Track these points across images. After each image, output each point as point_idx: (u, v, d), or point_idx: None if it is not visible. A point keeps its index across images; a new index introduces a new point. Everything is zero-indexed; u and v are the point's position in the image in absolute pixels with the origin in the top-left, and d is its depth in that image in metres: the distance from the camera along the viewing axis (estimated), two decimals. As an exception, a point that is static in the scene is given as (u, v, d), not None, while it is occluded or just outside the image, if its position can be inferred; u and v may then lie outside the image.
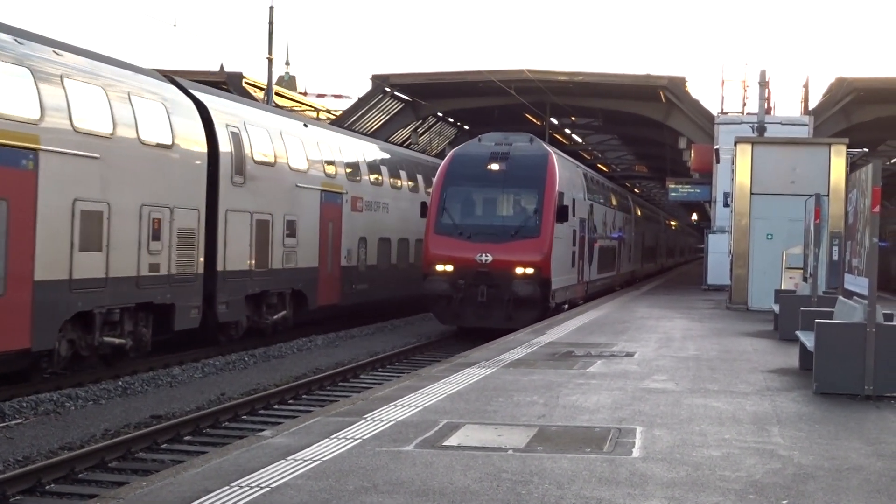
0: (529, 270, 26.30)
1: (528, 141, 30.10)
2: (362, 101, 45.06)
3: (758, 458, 9.23)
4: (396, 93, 45.66)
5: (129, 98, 20.45)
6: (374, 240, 33.76)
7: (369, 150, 35.58)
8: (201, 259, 22.97)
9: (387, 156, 37.40)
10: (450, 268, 26.55)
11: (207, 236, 23.39)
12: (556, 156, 30.04)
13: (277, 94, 42.76)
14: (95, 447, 14.10)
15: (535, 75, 41.01)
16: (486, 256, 26.20)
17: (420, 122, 49.98)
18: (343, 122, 42.19)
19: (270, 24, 38.59)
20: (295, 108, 44.50)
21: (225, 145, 24.06)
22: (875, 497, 7.94)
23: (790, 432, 10.55)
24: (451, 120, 53.80)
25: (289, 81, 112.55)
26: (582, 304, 32.00)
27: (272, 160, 26.70)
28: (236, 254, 24.65)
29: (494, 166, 28.14)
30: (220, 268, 23.72)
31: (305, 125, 30.79)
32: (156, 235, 20.92)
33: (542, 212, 27.48)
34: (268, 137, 26.64)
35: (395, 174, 36.90)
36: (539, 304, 26.67)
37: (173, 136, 21.58)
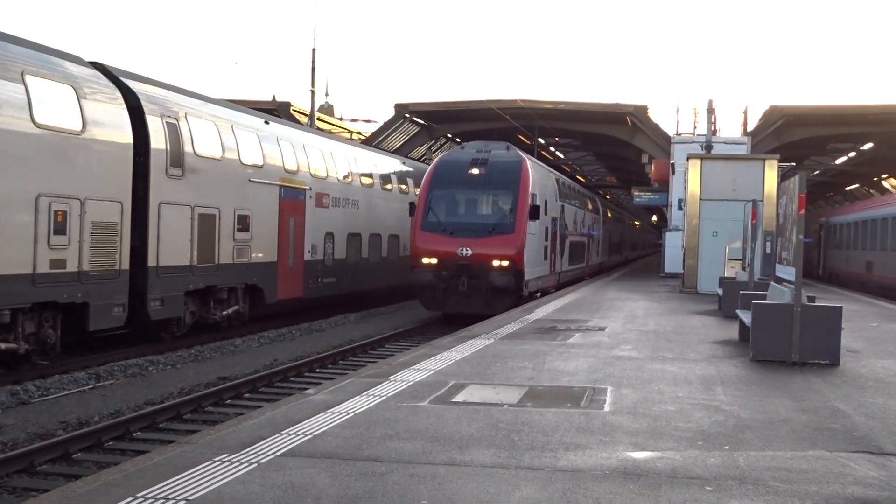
0: (505, 263, 24.57)
1: (505, 149, 28.04)
2: (386, 125, 45.00)
3: (705, 412, 9.26)
4: (414, 118, 45.59)
5: (23, 77, 15.58)
6: (342, 235, 29.40)
7: (339, 150, 30.94)
8: (126, 254, 18.31)
9: (359, 156, 32.77)
10: (434, 260, 24.74)
11: (136, 230, 18.81)
12: (529, 162, 27.93)
13: (319, 119, 42.76)
14: (173, 402, 14.20)
15: (525, 104, 41.18)
16: (467, 250, 24.56)
17: (433, 142, 49.96)
18: (371, 143, 41.96)
19: (313, 62, 39.20)
20: (333, 131, 44.45)
21: (158, 136, 19.47)
22: (799, 443, 7.96)
23: (731, 391, 10.57)
24: (458, 140, 53.66)
25: (328, 109, 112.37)
26: (554, 292, 29.79)
27: (219, 154, 22.10)
28: (173, 248, 20.07)
29: (475, 171, 26.34)
30: (151, 263, 19.20)
31: (266, 122, 25.93)
32: (60, 229, 16.17)
33: (517, 211, 25.54)
34: (215, 131, 22.15)
35: (367, 174, 32.33)
36: (513, 293, 24.87)
37: (84, 122, 16.80)
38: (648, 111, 42.08)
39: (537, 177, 28.20)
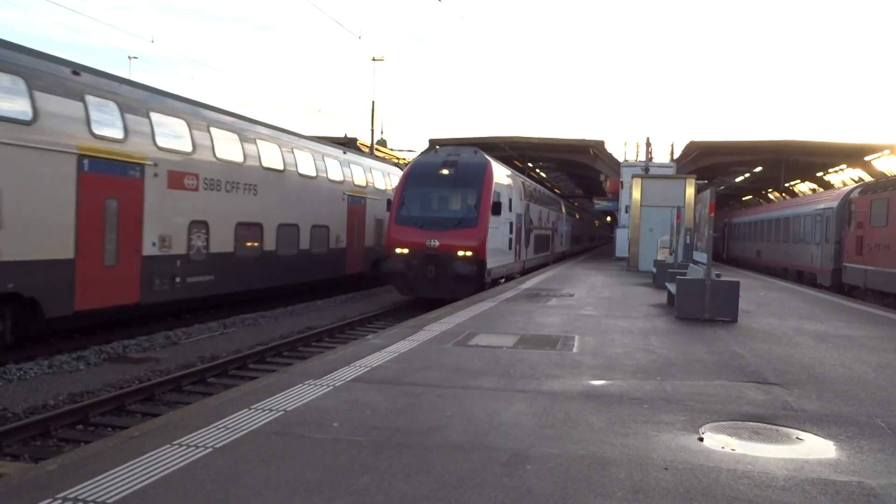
0: (468, 253, 20.37)
1: (473, 153, 23.00)
2: (423, 153, 44.82)
3: (643, 354, 9.19)
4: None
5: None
6: (227, 225, 17.55)
7: (227, 124, 18.08)
8: None
9: (265, 136, 20.04)
10: (406, 250, 20.51)
11: None
12: (494, 164, 23.11)
13: (376, 149, 42.71)
14: (274, 343, 14.26)
15: (518, 139, 41.06)
16: (434, 242, 20.41)
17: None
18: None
19: (373, 110, 39.76)
20: (386, 159, 44.41)
21: None
22: (708, 375, 7.88)
23: (661, 339, 10.48)
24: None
25: (381, 141, 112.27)
26: (519, 277, 24.96)
27: None
28: None
29: (445, 171, 21.83)
30: None
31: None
32: None
33: (480, 206, 21.14)
34: None
35: (271, 157, 19.97)
36: (476, 280, 20.54)
37: None
38: (605, 144, 41.92)
39: (501, 178, 23.67)
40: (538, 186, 35.38)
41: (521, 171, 40.31)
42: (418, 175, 21.99)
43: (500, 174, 23.39)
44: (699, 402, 6.59)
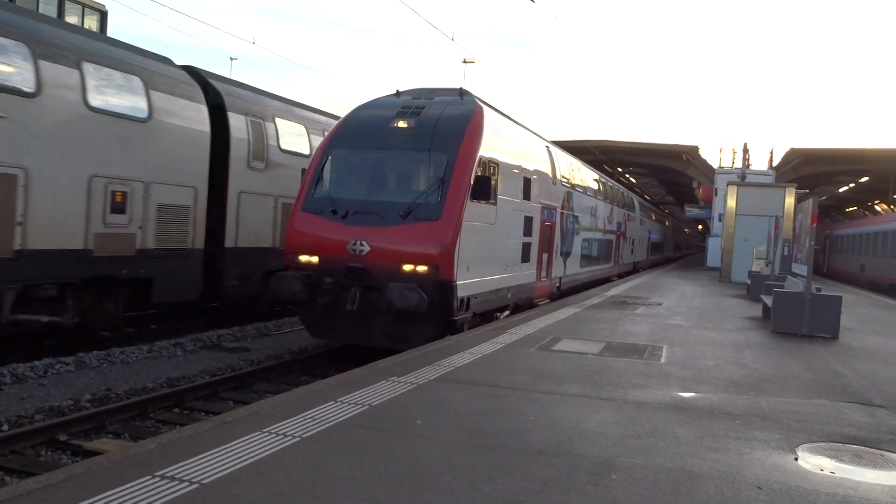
0: (421, 268, 10.77)
1: (456, 95, 12.94)
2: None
3: (736, 367, 8.86)
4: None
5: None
6: None
7: None
8: None
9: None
10: (315, 259, 11.39)
11: None
12: (488, 113, 12.68)
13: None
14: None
15: (609, 143, 40.44)
16: (362, 245, 11.10)
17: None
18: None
19: None
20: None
21: None
22: (806, 393, 7.53)
23: (755, 353, 10.08)
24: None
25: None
26: (549, 302, 16.05)
27: None
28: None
29: (401, 124, 12.19)
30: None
31: None
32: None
33: (450, 184, 11.20)
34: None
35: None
36: (434, 320, 10.82)
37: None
38: (699, 150, 40.79)
39: (503, 138, 13.26)
40: (592, 172, 23.52)
41: (612, 176, 39.38)
42: (354, 130, 12.20)
43: (505, 134, 13.41)
44: (796, 421, 6.30)
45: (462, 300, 11.09)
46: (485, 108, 12.49)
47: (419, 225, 10.79)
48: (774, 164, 41.15)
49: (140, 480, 4.08)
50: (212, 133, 13.59)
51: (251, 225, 14.73)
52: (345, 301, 10.77)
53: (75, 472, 4.21)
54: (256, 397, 9.72)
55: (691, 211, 46.67)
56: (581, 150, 41.91)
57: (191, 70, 14.22)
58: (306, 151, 16.19)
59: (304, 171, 12.67)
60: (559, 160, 17.49)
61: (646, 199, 54.15)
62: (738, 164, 38.81)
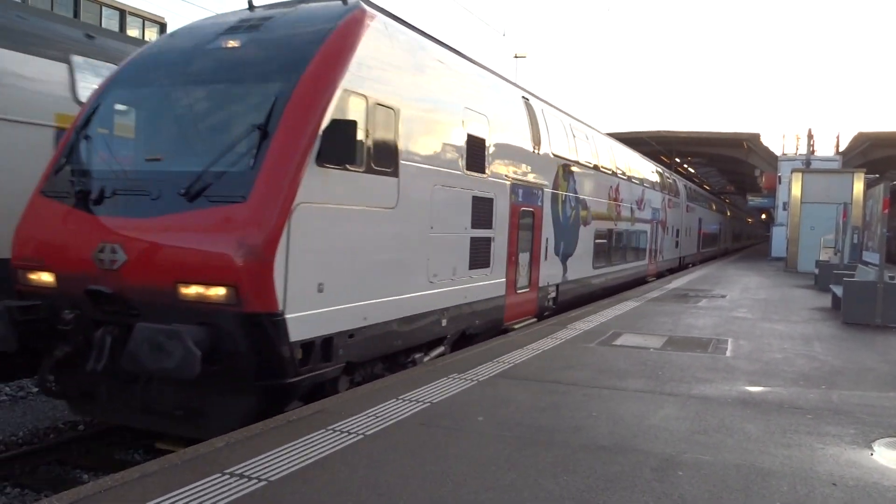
0: (215, 290, 5.49)
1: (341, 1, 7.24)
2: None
3: (805, 360, 8.58)
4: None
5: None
6: None
7: None
8: None
9: None
10: (48, 277, 6.16)
11: None
12: (380, 25, 7.28)
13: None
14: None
15: (665, 133, 39.71)
16: (115, 253, 5.72)
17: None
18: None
19: None
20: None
21: None
22: (882, 387, 7.25)
23: (826, 345, 9.75)
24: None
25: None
26: (530, 320, 11.57)
27: None
28: None
29: (226, 44, 6.76)
30: None
31: None
32: None
33: (275, 136, 5.80)
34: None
35: None
36: (245, 384, 5.78)
37: None
38: (760, 137, 39.75)
39: (422, 70, 8.18)
40: (612, 142, 17.60)
41: (668, 167, 38.35)
42: (146, 65, 7.39)
43: (425, 64, 8.45)
44: (871, 415, 6.07)
45: (308, 345, 6.18)
46: (377, 16, 7.45)
47: (211, 212, 5.86)
48: (841, 149, 39.81)
49: (211, 478, 4.19)
50: None
51: None
52: (88, 346, 6.13)
53: (149, 470, 4.36)
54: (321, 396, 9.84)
55: (753, 200, 45.55)
56: (636, 142, 41.35)
57: None
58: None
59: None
60: (549, 120, 12.42)
61: (697, 184, 49.30)
62: (803, 150, 37.63)
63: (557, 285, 12.86)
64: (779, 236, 35.00)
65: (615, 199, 16.69)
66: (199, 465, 4.41)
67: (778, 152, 39.83)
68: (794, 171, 28.67)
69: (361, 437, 5.06)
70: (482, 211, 9.40)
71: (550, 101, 13.31)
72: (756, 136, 39.37)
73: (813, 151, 36.98)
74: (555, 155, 12.42)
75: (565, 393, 6.54)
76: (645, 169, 21.38)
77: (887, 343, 10.13)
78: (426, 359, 8.39)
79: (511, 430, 5.31)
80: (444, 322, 8.66)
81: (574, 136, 13.86)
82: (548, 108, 12.79)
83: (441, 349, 8.77)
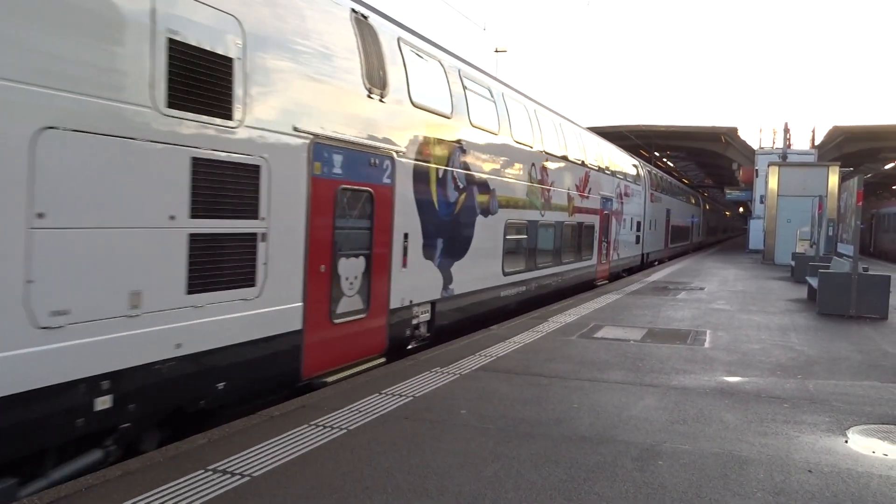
0: None
1: None
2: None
3: (782, 350, 8.71)
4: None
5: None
6: None
7: None
8: None
9: None
10: None
11: None
12: None
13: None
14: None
15: (644, 127, 39.97)
16: None
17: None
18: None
19: None
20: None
21: None
22: (856, 375, 7.37)
23: (802, 336, 9.90)
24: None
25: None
26: (381, 360, 7.73)
27: None
28: None
29: None
30: None
31: None
32: None
33: None
34: None
35: None
36: None
37: None
38: (738, 131, 40.15)
39: None
40: (535, 105, 13.57)
41: (648, 160, 38.56)
42: None
43: None
44: (846, 403, 6.18)
45: None
46: None
47: None
48: (817, 143, 40.31)
49: (194, 474, 4.18)
50: None
51: None
52: None
53: (131, 467, 4.33)
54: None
55: (731, 193, 45.99)
56: (616, 136, 41.62)
57: None
58: None
59: None
60: (410, 57, 8.48)
61: (676, 177, 47.99)
62: (779, 144, 38.10)
63: (433, 303, 9.01)
64: (756, 229, 35.38)
65: (541, 182, 12.98)
66: (182, 463, 4.39)
67: (755, 146, 40.31)
68: (770, 164, 29.02)
69: (345, 431, 5.07)
70: (225, 187, 5.43)
71: (426, 36, 9.26)
72: (734, 130, 39.76)
73: (789, 145, 37.45)
74: (418, 106, 8.42)
75: (547, 385, 6.59)
76: (591, 146, 17.19)
77: (861, 333, 10.30)
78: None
79: (494, 423, 5.34)
80: (100, 404, 4.52)
81: (465, 88, 10.02)
82: (417, 40, 8.88)
83: (95, 456, 4.63)
